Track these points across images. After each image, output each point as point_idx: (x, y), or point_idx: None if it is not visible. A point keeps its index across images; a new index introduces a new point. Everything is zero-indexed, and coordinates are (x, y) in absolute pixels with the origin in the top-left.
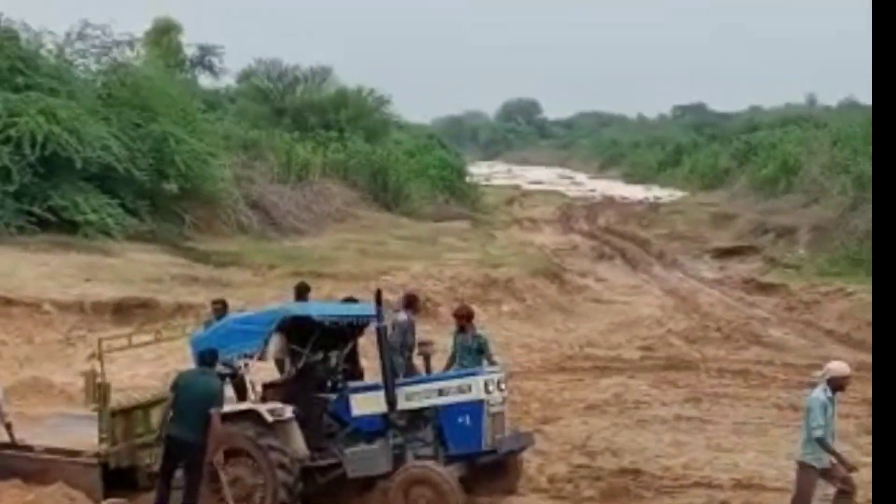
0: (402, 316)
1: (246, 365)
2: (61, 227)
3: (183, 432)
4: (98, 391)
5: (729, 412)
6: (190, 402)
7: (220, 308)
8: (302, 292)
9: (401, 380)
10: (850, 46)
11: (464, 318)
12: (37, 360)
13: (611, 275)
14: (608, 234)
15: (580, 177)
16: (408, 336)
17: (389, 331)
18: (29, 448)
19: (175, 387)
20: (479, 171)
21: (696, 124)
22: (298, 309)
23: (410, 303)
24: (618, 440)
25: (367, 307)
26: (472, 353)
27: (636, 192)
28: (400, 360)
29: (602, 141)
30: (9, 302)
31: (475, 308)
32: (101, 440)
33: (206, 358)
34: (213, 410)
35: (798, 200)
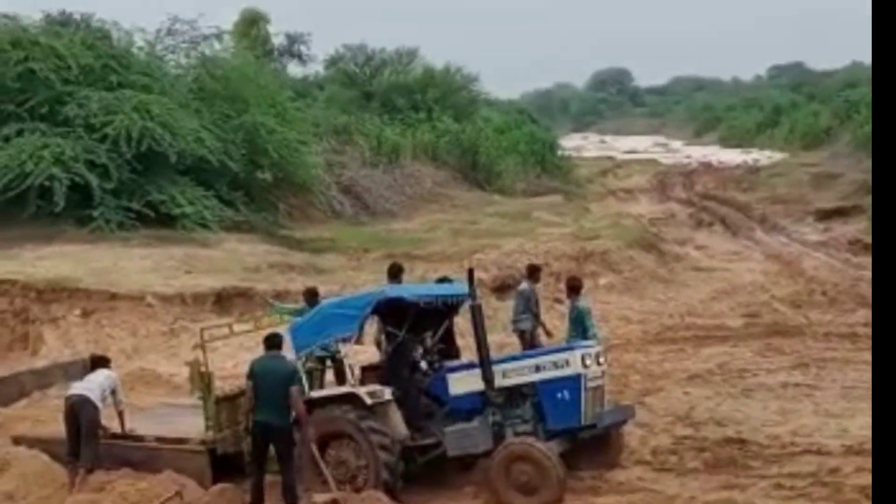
0: (525, 285)
1: (340, 351)
2: (160, 221)
3: (268, 417)
4: (202, 380)
5: (837, 377)
6: (269, 386)
7: (311, 296)
8: (395, 274)
9: (498, 356)
10: None
11: (569, 290)
12: (142, 351)
13: (711, 242)
14: (706, 200)
15: (675, 144)
16: (531, 304)
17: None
18: (139, 437)
19: (251, 374)
20: (572, 143)
21: (794, 84)
22: (392, 291)
23: (532, 272)
24: (722, 410)
25: (461, 286)
26: (573, 323)
27: (734, 156)
28: (528, 325)
29: (696, 106)
30: (113, 296)
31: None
32: (208, 427)
33: (273, 341)
34: (293, 389)
35: None
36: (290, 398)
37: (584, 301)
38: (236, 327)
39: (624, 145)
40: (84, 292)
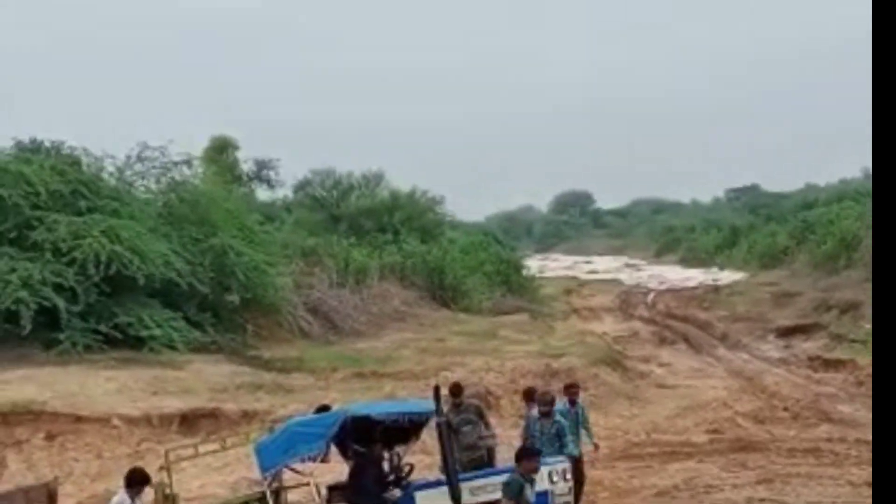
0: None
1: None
2: (127, 343)
3: None
4: (168, 502)
5: (802, 492)
6: None
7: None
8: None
9: (464, 475)
10: None
11: (547, 405)
12: (107, 474)
13: (674, 359)
14: (669, 318)
15: (637, 264)
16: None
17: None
18: None
19: None
20: (536, 263)
21: (751, 206)
22: (359, 409)
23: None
24: None
25: (427, 403)
26: (552, 439)
27: (695, 276)
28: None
29: (657, 227)
30: (79, 419)
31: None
32: None
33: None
34: None
35: (860, 276)
36: None
37: (559, 416)
38: (202, 448)
39: (588, 266)
40: (49, 415)
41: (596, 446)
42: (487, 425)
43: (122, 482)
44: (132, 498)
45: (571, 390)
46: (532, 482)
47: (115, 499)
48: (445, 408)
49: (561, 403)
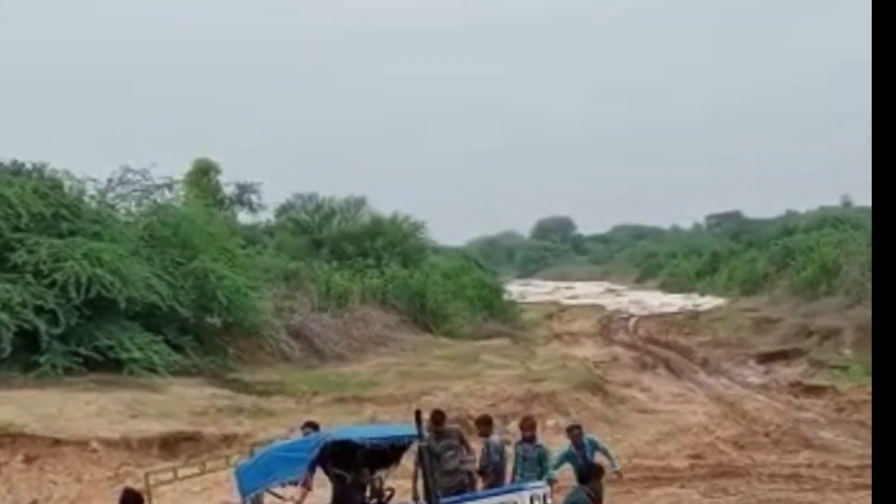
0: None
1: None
2: (107, 365)
3: None
4: None
5: None
6: None
7: (311, 430)
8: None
9: (445, 500)
10: None
11: (529, 429)
12: (86, 498)
13: (655, 384)
14: (650, 343)
15: (619, 289)
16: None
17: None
18: None
19: None
20: (517, 289)
21: (732, 232)
22: (340, 433)
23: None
24: None
25: (409, 428)
26: (533, 463)
27: (675, 301)
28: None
29: (638, 253)
30: (57, 442)
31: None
32: None
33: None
34: None
35: (840, 302)
36: None
37: (543, 441)
38: (182, 472)
39: (569, 291)
40: (28, 438)
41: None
42: (469, 450)
43: None
44: None
45: (574, 432)
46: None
47: None
48: (427, 434)
49: (567, 447)
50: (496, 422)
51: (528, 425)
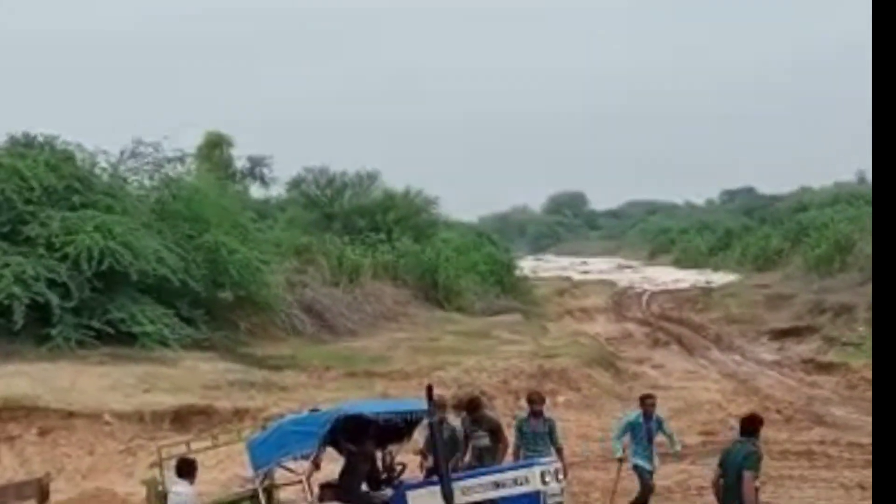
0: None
1: None
2: (119, 339)
3: None
4: (159, 499)
5: (795, 494)
6: None
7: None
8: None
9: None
10: None
11: (540, 402)
12: (99, 470)
13: (667, 361)
14: (662, 320)
15: (631, 265)
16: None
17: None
18: None
19: None
20: (529, 264)
21: (746, 208)
22: (351, 408)
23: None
24: None
25: (420, 403)
26: (543, 438)
27: (688, 278)
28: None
29: (651, 229)
30: (70, 415)
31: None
32: None
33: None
34: None
35: (854, 279)
36: None
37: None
38: (194, 445)
39: (582, 266)
40: (41, 411)
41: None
42: (502, 441)
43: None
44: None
45: (647, 401)
46: None
47: (178, 488)
48: (463, 416)
49: (635, 415)
50: (507, 398)
51: (539, 398)
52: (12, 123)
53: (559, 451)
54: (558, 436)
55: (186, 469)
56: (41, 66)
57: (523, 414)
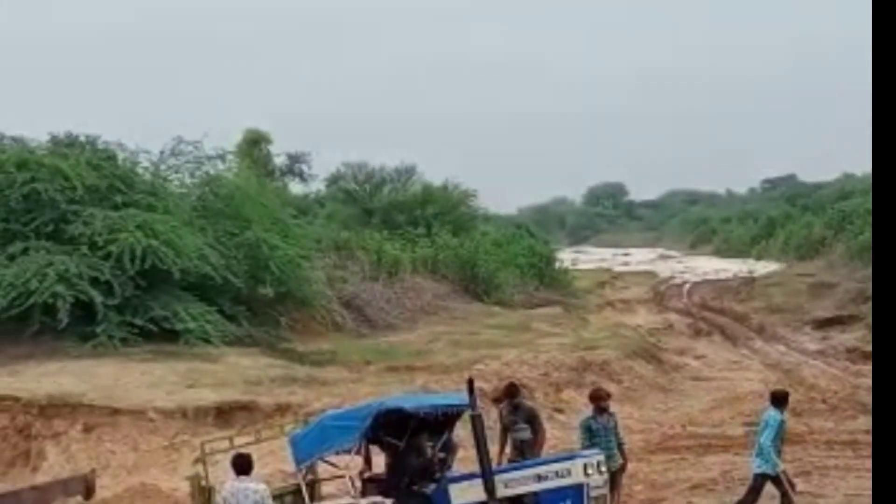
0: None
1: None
2: (163, 336)
3: None
4: (203, 494)
5: (840, 485)
6: None
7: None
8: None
9: (499, 466)
10: None
11: (606, 398)
12: (143, 466)
13: (710, 351)
14: (704, 310)
15: (672, 255)
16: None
17: None
18: None
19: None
20: (569, 256)
21: (788, 196)
22: (392, 402)
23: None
24: None
25: (461, 396)
26: (610, 433)
27: (730, 267)
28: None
29: (691, 219)
30: (115, 411)
31: (572, 392)
32: None
33: (240, 466)
34: None
35: None
36: None
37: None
38: (237, 440)
39: (622, 257)
40: (86, 408)
41: None
42: (539, 429)
43: (157, 474)
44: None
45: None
46: None
47: (252, 485)
48: (503, 404)
49: (778, 414)
50: (548, 390)
51: (606, 394)
52: (11, 124)
53: (620, 446)
54: (620, 431)
55: (248, 465)
56: (55, 67)
57: (587, 412)
